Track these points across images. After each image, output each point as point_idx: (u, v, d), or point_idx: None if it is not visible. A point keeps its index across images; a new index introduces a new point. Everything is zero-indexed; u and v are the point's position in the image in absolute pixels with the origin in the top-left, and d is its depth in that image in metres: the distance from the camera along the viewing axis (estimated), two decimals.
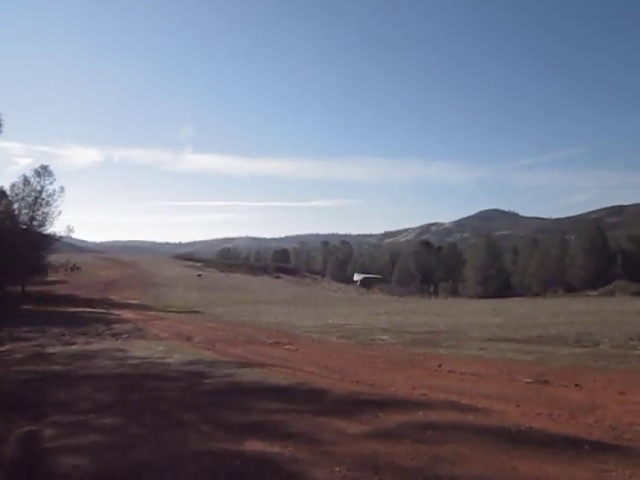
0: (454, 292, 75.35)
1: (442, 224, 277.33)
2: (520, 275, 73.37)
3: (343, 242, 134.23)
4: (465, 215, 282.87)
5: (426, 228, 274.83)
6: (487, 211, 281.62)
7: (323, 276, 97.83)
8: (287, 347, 12.68)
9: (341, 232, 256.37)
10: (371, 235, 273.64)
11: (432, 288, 76.82)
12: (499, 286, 71.41)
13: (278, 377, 8.27)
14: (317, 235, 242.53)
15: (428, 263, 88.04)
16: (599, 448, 4.39)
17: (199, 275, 60.79)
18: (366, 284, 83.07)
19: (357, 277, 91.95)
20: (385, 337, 14.49)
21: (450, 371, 8.81)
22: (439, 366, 9.30)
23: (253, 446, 4.66)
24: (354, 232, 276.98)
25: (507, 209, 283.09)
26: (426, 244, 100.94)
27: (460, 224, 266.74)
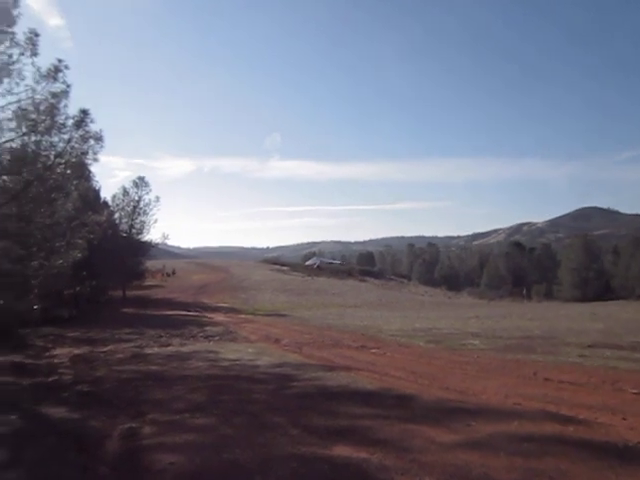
0: (548, 295, 71.57)
1: (534, 224, 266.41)
2: (622, 277, 68.36)
3: (430, 244, 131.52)
4: (559, 214, 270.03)
5: (517, 229, 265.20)
6: (583, 209, 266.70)
7: (409, 279, 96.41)
8: (373, 351, 12.57)
9: (427, 234, 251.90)
10: (458, 237, 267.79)
11: (524, 291, 73.46)
12: (598, 289, 66.91)
13: (365, 381, 8.21)
14: (402, 238, 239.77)
15: (520, 265, 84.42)
16: None
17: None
18: (323, 268, 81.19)
19: (314, 260, 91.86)
20: (475, 342, 13.99)
21: (546, 379, 8.34)
22: (534, 374, 8.84)
23: (341, 451, 4.64)
24: (441, 234, 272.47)
25: (606, 206, 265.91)
26: (517, 245, 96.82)
27: (554, 224, 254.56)
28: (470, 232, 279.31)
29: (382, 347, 13.24)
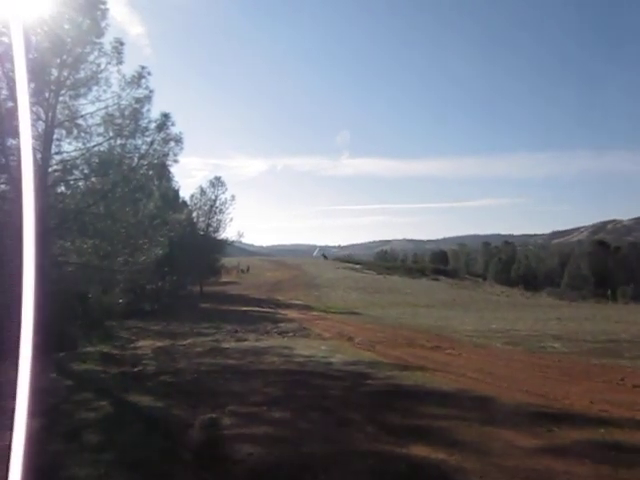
0: (636, 298, 67.28)
1: (620, 221, 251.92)
2: None
3: (506, 243, 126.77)
4: None
5: (601, 226, 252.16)
6: None
7: (484, 279, 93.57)
8: (448, 351, 12.33)
9: (503, 232, 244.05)
10: (536, 235, 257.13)
11: (609, 293, 69.51)
12: None
13: (440, 382, 8.08)
14: (477, 236, 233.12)
15: (604, 265, 79.89)
16: None
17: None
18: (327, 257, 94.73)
19: (318, 252, 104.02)
20: (556, 345, 13.42)
21: (635, 386, 7.88)
22: (622, 379, 8.37)
23: (418, 451, 4.59)
24: (517, 232, 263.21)
25: None
26: (601, 244, 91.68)
27: None
28: (549, 230, 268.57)
29: (457, 348, 12.97)
